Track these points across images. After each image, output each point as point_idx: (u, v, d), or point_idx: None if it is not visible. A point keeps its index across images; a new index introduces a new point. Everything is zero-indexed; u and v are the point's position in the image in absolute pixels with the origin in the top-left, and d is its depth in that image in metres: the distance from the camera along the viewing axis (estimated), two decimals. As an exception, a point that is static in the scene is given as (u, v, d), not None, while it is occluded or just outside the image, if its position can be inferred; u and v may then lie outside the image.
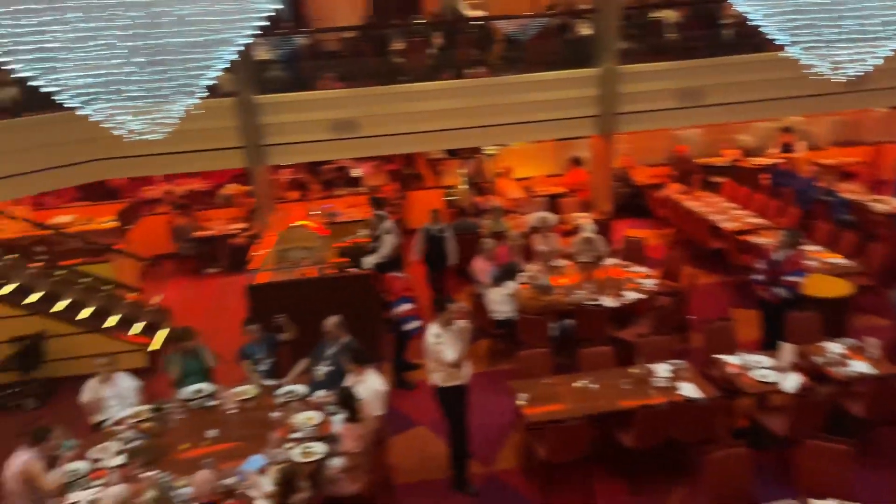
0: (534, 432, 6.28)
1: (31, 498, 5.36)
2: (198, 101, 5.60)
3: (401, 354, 8.28)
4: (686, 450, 6.40)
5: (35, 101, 10.28)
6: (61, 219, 11.79)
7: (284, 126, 10.80)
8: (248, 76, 10.27)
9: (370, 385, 6.01)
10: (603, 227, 10.73)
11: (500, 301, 8.36)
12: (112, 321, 9.14)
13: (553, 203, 12.37)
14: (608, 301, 8.28)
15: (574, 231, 10.37)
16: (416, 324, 8.02)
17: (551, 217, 10.74)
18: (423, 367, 6.45)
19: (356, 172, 14.72)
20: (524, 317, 8.02)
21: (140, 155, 10.04)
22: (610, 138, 11.50)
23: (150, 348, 9.02)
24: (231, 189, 13.93)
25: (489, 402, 7.58)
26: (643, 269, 9.20)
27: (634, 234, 10.86)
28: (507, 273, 8.49)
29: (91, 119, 5.79)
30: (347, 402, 5.53)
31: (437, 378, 6.23)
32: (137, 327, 9.24)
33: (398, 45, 11.55)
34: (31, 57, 4.77)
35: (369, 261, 9.05)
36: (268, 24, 5.74)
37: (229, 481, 5.16)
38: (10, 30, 4.59)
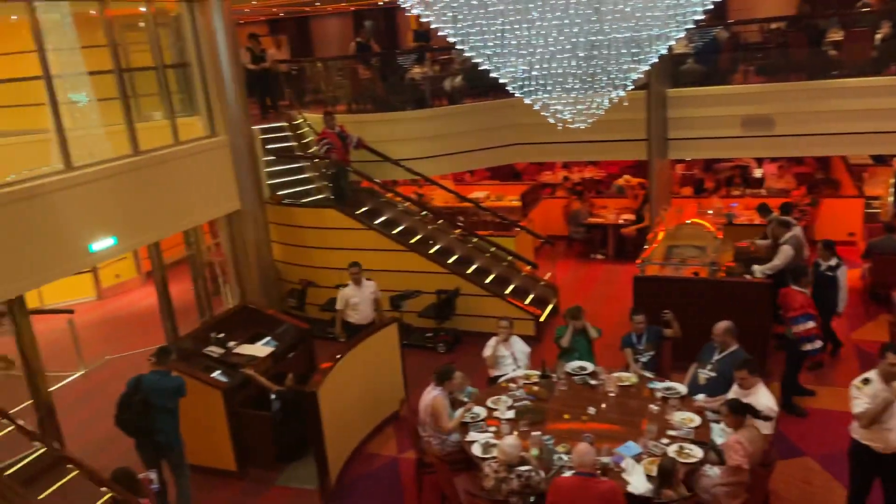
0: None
1: (434, 429, 6.32)
2: (623, 93, 5.81)
3: (794, 376, 7.54)
4: None
5: (472, 91, 11.89)
6: (477, 194, 13.43)
7: (691, 120, 10.58)
8: (663, 69, 10.26)
9: (761, 401, 5.62)
10: None
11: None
12: (509, 289, 10.16)
13: None
14: None
15: None
16: (816, 344, 7.23)
17: None
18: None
19: (758, 173, 13.70)
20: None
21: (553, 142, 10.90)
22: None
23: (540, 319, 9.79)
24: (624, 180, 14.19)
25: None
26: None
27: None
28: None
29: (530, 108, 6.37)
30: (741, 412, 5.23)
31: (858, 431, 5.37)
32: (529, 298, 10.10)
33: (835, 36, 10.32)
34: (490, 52, 5.46)
35: (761, 269, 8.38)
36: (703, 18, 5.65)
37: (605, 460, 5.36)
38: (478, 28, 5.31)
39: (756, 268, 8.46)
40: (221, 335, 7.87)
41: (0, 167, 6.84)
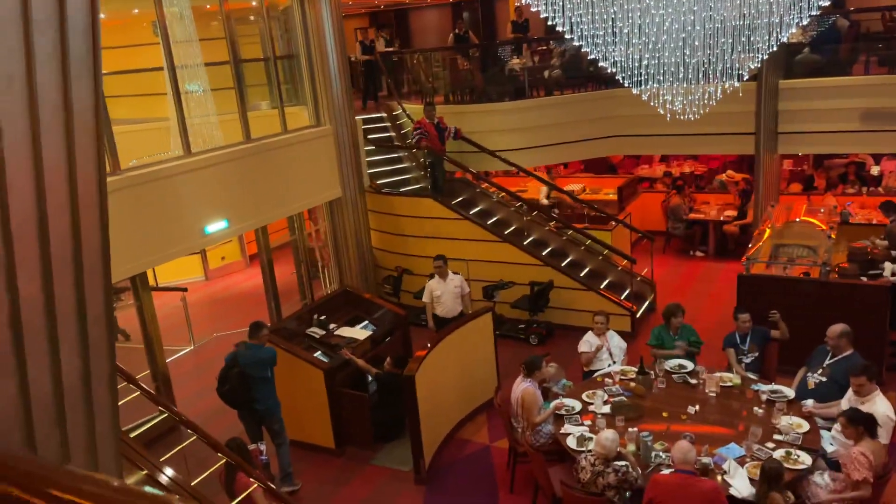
0: None
1: (525, 420, 6.34)
2: (737, 83, 5.62)
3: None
4: None
5: (570, 81, 11.77)
6: (572, 186, 13.28)
7: (804, 113, 10.09)
8: (776, 59, 9.81)
9: (878, 409, 5.33)
10: None
11: None
12: (604, 283, 10.02)
13: None
14: None
15: None
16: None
17: None
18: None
19: (874, 170, 12.88)
20: None
21: (654, 134, 10.66)
22: None
23: (636, 315, 9.62)
24: (727, 175, 13.68)
25: None
26: None
27: None
28: None
29: (631, 98, 6.25)
30: (861, 423, 4.97)
31: None
32: (625, 293, 9.93)
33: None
34: (599, 41, 5.40)
35: (891, 269, 7.90)
36: (826, 4, 5.40)
37: (705, 460, 5.24)
38: (588, 16, 5.26)
39: (888, 265, 7.98)
40: (323, 317, 8.17)
41: (125, 152, 7.33)
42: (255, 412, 6.74)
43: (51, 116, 1.49)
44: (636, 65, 5.36)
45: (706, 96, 5.56)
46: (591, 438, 5.73)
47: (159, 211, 7.43)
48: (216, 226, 8.14)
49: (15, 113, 1.42)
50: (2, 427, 1.45)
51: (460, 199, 10.79)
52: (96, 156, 1.65)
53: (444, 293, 8.50)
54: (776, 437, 5.59)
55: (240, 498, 5.22)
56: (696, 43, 4.97)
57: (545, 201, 12.32)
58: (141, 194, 7.19)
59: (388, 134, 11.97)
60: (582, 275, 10.02)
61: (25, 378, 1.46)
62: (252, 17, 10.67)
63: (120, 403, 5.73)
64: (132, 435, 5.95)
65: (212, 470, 5.90)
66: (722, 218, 12.33)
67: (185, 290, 10.66)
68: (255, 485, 5.25)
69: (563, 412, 6.25)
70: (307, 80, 9.78)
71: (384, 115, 12.15)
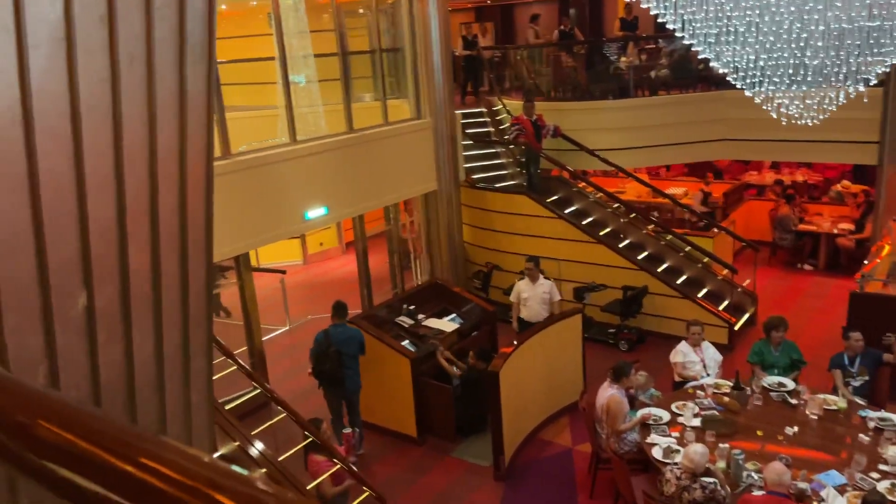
0: None
1: (610, 427, 6.19)
2: (863, 88, 5.26)
3: None
4: None
5: (678, 82, 11.39)
6: (673, 190, 12.84)
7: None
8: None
9: None
10: None
11: None
12: (702, 292, 9.64)
13: None
14: None
15: None
16: None
17: None
18: None
19: None
20: None
21: (766, 139, 10.16)
22: None
23: (734, 327, 9.21)
24: (842, 185, 12.84)
25: None
26: None
27: None
28: None
29: (742, 101, 5.97)
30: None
31: None
32: (724, 304, 9.52)
33: None
34: (712, 39, 5.17)
35: None
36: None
37: (802, 485, 4.95)
38: (702, 13, 5.05)
39: None
40: (412, 307, 8.28)
41: (236, 138, 7.68)
42: (342, 390, 7.02)
43: (166, 97, 1.58)
44: (750, 65, 5.11)
45: (826, 101, 5.22)
46: (678, 451, 5.53)
47: (264, 195, 7.74)
48: (316, 212, 8.40)
49: (134, 92, 1.50)
50: (107, 390, 1.55)
51: (556, 197, 10.65)
52: (206, 137, 1.73)
53: (531, 297, 8.35)
54: (882, 467, 5.22)
55: (316, 482, 5.39)
56: (819, 44, 4.67)
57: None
58: (248, 178, 7.52)
59: (486, 129, 11.97)
60: (679, 282, 9.68)
61: (131, 344, 1.55)
62: (361, 10, 10.92)
63: (218, 376, 6.03)
64: (227, 407, 6.24)
65: (298, 448, 6.12)
66: (835, 231, 11.58)
67: (284, 272, 11.08)
68: (326, 472, 5.42)
69: (650, 422, 6.06)
70: (410, 73, 9.92)
71: (484, 110, 12.16)
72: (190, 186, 1.67)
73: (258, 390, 6.25)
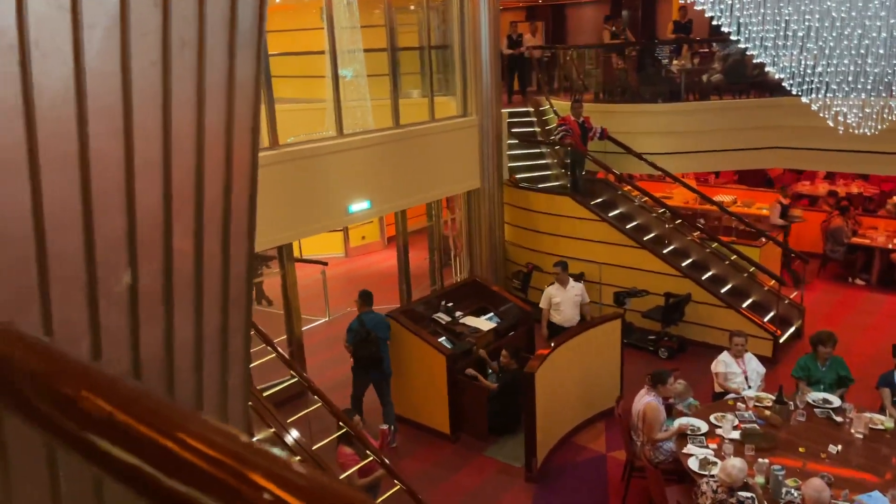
0: None
1: (645, 435, 6.09)
2: (928, 98, 5.07)
3: None
4: None
5: (731, 87, 11.16)
6: (722, 197, 12.57)
7: None
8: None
9: None
10: None
11: None
12: (747, 302, 9.42)
13: None
14: None
15: None
16: None
17: None
18: None
19: None
20: None
21: (821, 149, 9.88)
22: None
23: (779, 339, 8.97)
24: (902, 199, 12.40)
25: None
26: None
27: None
28: None
29: (798, 108, 5.82)
30: None
31: None
32: (769, 316, 9.28)
33: None
34: (769, 45, 5.04)
35: None
36: None
37: (842, 505, 4.80)
38: (759, 16, 4.92)
39: None
40: (450, 304, 8.28)
41: (284, 129, 7.79)
42: (379, 373, 7.31)
43: (215, 82, 1.60)
44: (808, 71, 4.96)
45: (886, 110, 5.04)
46: (715, 463, 5.42)
47: (309, 187, 7.83)
48: (359, 205, 8.46)
49: (184, 76, 1.53)
50: (147, 368, 1.58)
51: (600, 200, 10.52)
52: (253, 124, 1.75)
53: (564, 301, 8.25)
54: (931, 492, 5.02)
55: (346, 474, 5.45)
56: (881, 51, 4.51)
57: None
58: (294, 170, 7.62)
59: (532, 129, 11.89)
60: (723, 291, 9.47)
61: (171, 324, 1.58)
62: (412, 7, 10.96)
63: (257, 363, 6.13)
64: (265, 394, 6.34)
65: (332, 438, 6.18)
66: (890, 245, 11.19)
67: (325, 264, 11.20)
68: (354, 466, 5.48)
69: (687, 432, 5.95)
70: (458, 70, 9.91)
71: (530, 109, 12.08)
72: (235, 172, 1.69)
73: (295, 379, 6.32)
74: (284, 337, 8.51)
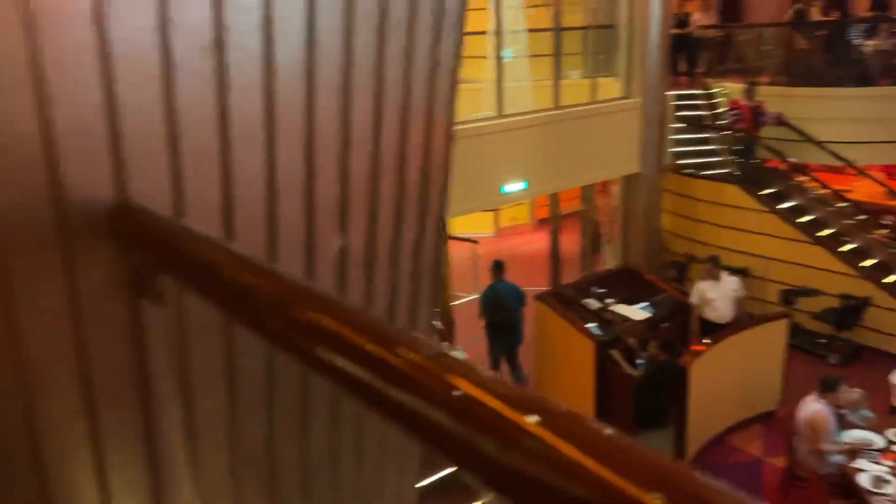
0: None
1: (811, 444, 5.69)
2: None
3: None
4: None
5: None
6: (914, 193, 11.31)
7: None
8: None
9: None
10: None
11: None
12: (937, 312, 8.48)
13: None
14: None
15: None
16: None
17: None
18: None
19: None
20: None
21: None
22: None
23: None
24: None
25: None
26: None
27: None
28: None
29: None
30: None
31: None
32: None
33: None
34: None
35: None
36: None
37: None
38: None
39: None
40: (601, 290, 8.15)
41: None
42: (511, 340, 7.74)
43: (421, 64, 1.69)
44: None
45: None
46: (889, 482, 4.98)
47: (466, 166, 7.94)
48: (514, 186, 8.50)
49: (395, 57, 1.63)
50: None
51: (770, 190, 9.85)
52: (451, 106, 1.84)
53: (718, 297, 7.79)
54: None
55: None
56: None
57: None
58: (455, 150, 7.78)
59: (699, 112, 11.31)
60: (910, 296, 8.58)
61: (373, 287, 1.71)
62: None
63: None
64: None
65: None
66: None
67: (476, 242, 11.39)
68: None
69: (856, 447, 5.50)
70: (624, 51, 9.62)
71: (699, 91, 11.49)
72: (434, 151, 1.79)
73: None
74: (437, 311, 8.80)
